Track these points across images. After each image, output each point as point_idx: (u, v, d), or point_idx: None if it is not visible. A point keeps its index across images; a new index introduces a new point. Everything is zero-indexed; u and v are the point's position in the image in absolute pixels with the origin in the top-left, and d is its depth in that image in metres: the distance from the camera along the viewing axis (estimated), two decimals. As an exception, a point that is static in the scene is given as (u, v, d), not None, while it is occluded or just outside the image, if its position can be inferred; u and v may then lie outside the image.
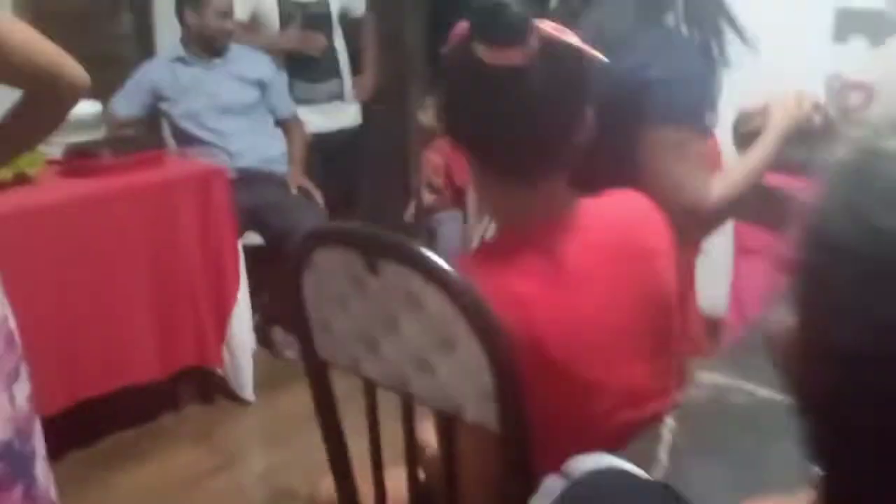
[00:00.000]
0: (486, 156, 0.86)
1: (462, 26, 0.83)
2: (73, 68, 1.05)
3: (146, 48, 3.18)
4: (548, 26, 0.80)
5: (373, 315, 0.86)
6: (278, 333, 2.72)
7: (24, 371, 1.17)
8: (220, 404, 2.39)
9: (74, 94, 1.08)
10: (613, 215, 0.91)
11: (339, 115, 3.04)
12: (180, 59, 2.65)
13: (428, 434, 1.02)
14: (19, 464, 1.13)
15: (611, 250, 0.88)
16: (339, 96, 2.99)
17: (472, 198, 2.45)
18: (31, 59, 1.02)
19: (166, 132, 2.74)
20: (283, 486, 2.00)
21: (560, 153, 0.86)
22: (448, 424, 0.86)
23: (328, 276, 0.89)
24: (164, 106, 2.62)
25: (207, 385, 2.38)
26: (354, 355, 0.92)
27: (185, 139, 2.61)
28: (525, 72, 0.80)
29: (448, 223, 2.94)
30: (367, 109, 3.16)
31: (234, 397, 2.38)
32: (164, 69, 2.64)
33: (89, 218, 1.95)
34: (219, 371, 2.34)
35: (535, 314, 0.82)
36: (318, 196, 2.69)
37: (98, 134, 2.25)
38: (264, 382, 2.40)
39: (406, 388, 0.88)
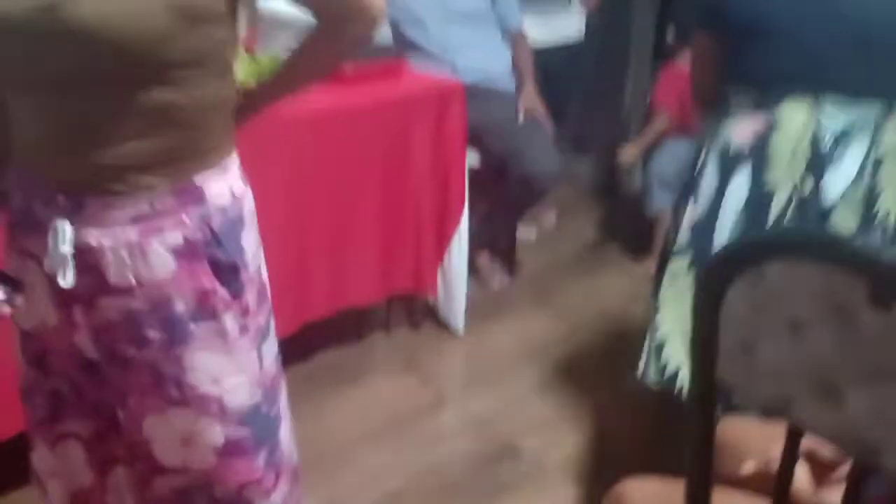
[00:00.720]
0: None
1: None
2: None
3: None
4: None
5: (851, 357, 0.65)
6: (484, 260, 2.57)
7: (272, 328, 1.05)
8: (428, 331, 2.27)
9: (368, 21, 0.97)
10: None
11: (562, 26, 2.76)
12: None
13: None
14: (265, 429, 1.03)
15: None
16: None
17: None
18: None
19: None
20: (496, 435, 1.87)
21: None
22: None
23: (782, 293, 0.68)
24: (389, 9, 2.41)
25: (417, 310, 2.27)
26: (786, 394, 0.71)
27: (407, 48, 2.40)
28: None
29: (668, 150, 2.64)
30: (590, 23, 2.86)
31: (443, 325, 2.27)
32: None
33: (327, 130, 1.80)
34: (429, 297, 2.23)
35: None
36: (548, 122, 2.45)
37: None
38: (471, 312, 2.26)
39: (869, 454, 0.67)
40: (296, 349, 1.93)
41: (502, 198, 2.46)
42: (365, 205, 1.92)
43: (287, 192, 1.73)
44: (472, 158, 2.39)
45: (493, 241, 2.58)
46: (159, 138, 0.87)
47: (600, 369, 2.14)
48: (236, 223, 0.96)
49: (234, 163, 0.98)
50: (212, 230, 0.92)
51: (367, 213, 1.93)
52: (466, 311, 2.24)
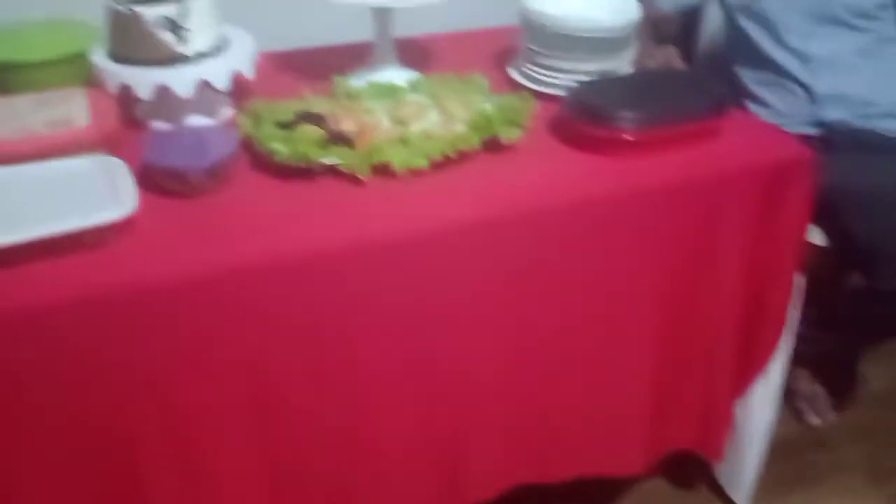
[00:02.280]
0: None
1: None
2: None
3: None
4: None
5: None
6: (803, 383, 1.76)
7: None
8: (697, 497, 1.56)
9: None
10: None
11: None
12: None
13: None
14: None
15: None
16: None
17: None
18: None
19: (703, 37, 1.77)
20: None
21: None
22: None
23: None
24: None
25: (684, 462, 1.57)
26: None
27: (749, 58, 1.60)
28: None
29: None
30: None
31: (718, 491, 1.54)
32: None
33: (583, 218, 1.14)
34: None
35: None
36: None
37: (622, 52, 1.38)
38: (767, 478, 1.50)
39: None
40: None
41: (851, 305, 1.61)
42: (632, 330, 1.24)
43: (507, 301, 1.13)
44: (813, 234, 1.57)
45: (821, 361, 1.75)
46: None
47: None
48: None
49: None
50: None
51: (636, 346, 1.26)
52: (759, 478, 1.49)
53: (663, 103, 1.22)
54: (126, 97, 1.15)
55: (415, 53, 1.54)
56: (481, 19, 1.70)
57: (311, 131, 1.12)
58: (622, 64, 1.35)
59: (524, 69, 1.37)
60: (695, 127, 1.21)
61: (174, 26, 1.13)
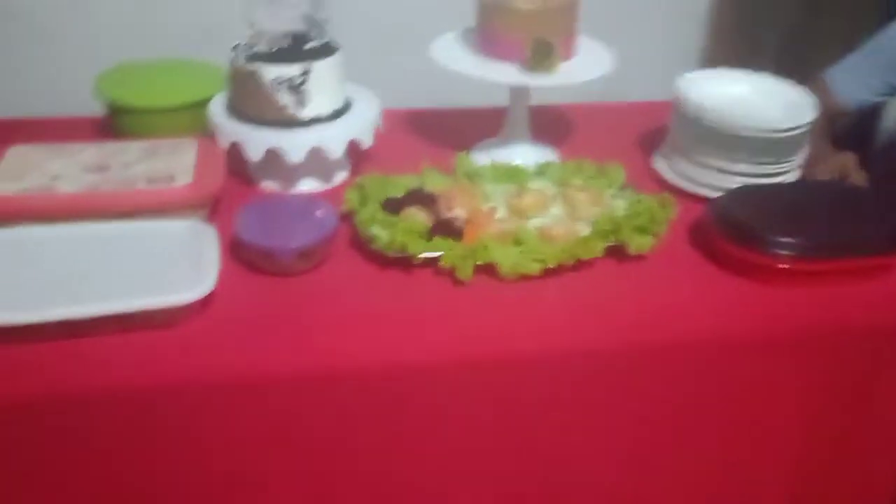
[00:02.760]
0: None
1: None
2: None
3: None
4: None
5: None
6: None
7: None
8: None
9: None
10: None
11: None
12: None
13: None
14: None
15: None
16: None
17: None
18: None
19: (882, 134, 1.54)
20: None
21: None
22: None
23: None
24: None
25: None
26: None
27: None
28: None
29: None
30: None
31: None
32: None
33: (720, 353, 0.97)
34: None
35: None
36: None
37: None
38: None
39: None
40: None
41: None
42: (763, 479, 1.06)
43: (619, 446, 0.98)
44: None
45: None
46: None
47: None
48: None
49: None
50: None
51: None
52: None
53: (831, 228, 1.02)
54: (237, 153, 1.10)
55: (553, 123, 1.42)
56: (635, 90, 1.56)
57: (417, 216, 1.03)
58: (788, 169, 1.16)
59: (672, 161, 1.21)
60: (865, 262, 1.01)
61: (294, 88, 1.07)
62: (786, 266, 0.98)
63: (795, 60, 1.78)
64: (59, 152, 1.06)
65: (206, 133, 1.13)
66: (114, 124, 1.22)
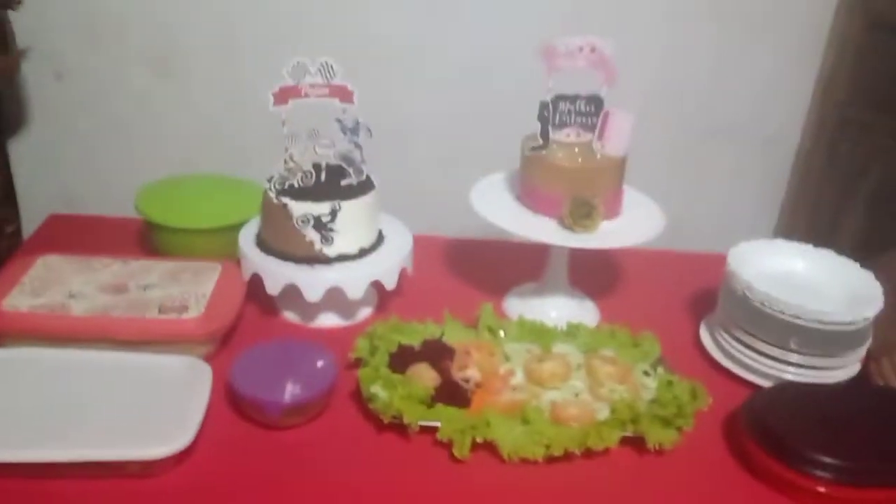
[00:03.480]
0: None
1: None
2: None
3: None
4: None
5: None
6: None
7: None
8: None
9: None
10: None
11: None
12: None
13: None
14: None
15: None
16: None
17: None
18: None
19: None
20: None
21: None
22: None
23: None
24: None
25: None
26: None
27: None
28: None
29: None
30: None
31: None
32: None
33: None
34: None
35: None
36: None
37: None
38: None
39: None
40: None
41: None
42: None
43: None
44: None
45: None
46: None
47: None
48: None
49: None
50: None
51: None
52: None
53: (883, 447, 0.90)
54: (259, 283, 1.08)
55: (602, 268, 1.35)
56: (703, 240, 1.48)
57: (425, 375, 0.97)
58: (845, 364, 1.05)
59: (717, 335, 1.12)
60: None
61: (321, 226, 1.05)
62: (825, 490, 0.86)
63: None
64: (85, 267, 1.07)
65: (236, 257, 1.12)
66: (150, 236, 1.23)
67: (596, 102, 1.09)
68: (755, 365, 1.05)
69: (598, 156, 1.10)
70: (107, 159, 1.62)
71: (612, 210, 1.12)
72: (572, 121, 1.10)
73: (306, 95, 1.03)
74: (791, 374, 1.03)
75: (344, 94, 1.05)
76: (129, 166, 1.61)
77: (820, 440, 0.88)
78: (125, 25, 1.51)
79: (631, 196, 1.17)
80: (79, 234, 1.30)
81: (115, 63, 1.54)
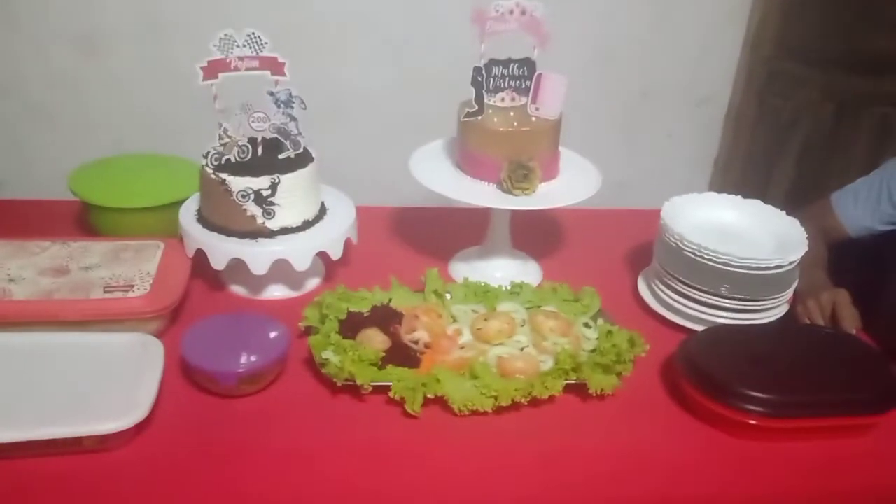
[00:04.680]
0: None
1: None
2: None
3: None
4: None
5: None
6: None
7: None
8: None
9: None
10: None
11: None
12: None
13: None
14: None
15: None
16: None
17: None
18: None
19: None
20: None
21: None
22: None
23: None
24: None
25: None
26: None
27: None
28: None
29: None
30: None
31: None
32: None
33: None
34: None
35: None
36: None
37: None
38: None
39: None
40: None
41: None
42: None
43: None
44: None
45: None
46: None
47: None
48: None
49: None
50: None
51: None
52: None
53: (809, 381, 0.96)
54: (203, 259, 1.09)
55: (544, 228, 1.39)
56: (645, 197, 1.52)
57: (374, 339, 0.99)
58: (773, 306, 1.11)
59: (654, 286, 1.17)
60: (844, 422, 0.94)
61: (261, 200, 1.05)
62: (754, 423, 0.92)
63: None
64: (21, 251, 1.06)
65: (177, 234, 1.12)
66: (86, 218, 1.22)
67: (529, 66, 1.12)
68: (690, 311, 1.10)
69: (533, 119, 1.13)
70: (32, 143, 1.59)
71: (550, 172, 1.15)
72: (506, 85, 1.12)
73: (236, 69, 1.03)
74: (723, 319, 1.08)
75: (275, 67, 1.06)
76: (56, 149, 1.58)
77: (750, 377, 0.94)
78: (45, 3, 1.47)
79: (568, 157, 1.20)
80: (7, 219, 1.28)
81: (36, 43, 1.50)
